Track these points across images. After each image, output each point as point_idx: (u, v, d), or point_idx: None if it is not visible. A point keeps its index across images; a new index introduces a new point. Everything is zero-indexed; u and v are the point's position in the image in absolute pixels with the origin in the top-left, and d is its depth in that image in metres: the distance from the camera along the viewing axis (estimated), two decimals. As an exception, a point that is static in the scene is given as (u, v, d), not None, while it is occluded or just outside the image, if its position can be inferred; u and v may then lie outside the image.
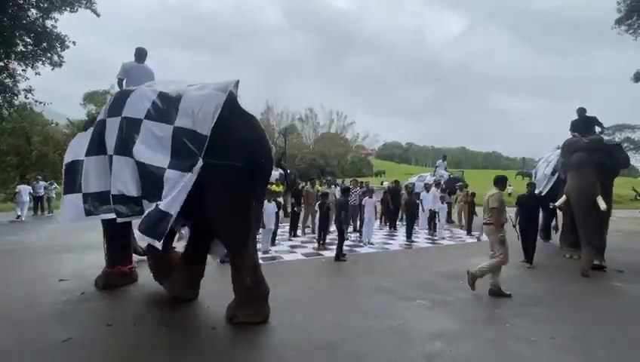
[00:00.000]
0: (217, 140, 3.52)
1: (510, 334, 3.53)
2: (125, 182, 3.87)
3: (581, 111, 7.34)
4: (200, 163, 3.47)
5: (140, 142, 3.79)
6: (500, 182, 4.96)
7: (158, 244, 3.49)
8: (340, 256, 6.67)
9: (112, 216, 4.00)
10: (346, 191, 7.73)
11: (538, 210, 7.00)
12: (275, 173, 13.78)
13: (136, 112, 3.89)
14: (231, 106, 3.66)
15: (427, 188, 11.70)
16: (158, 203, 3.53)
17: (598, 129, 7.33)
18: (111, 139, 4.08)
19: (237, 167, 3.52)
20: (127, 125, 3.95)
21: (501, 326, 3.74)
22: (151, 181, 3.67)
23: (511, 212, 6.46)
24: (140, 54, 5.15)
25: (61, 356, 2.98)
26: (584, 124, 7.22)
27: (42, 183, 14.42)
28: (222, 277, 3.84)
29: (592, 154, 6.25)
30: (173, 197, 3.46)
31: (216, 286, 4.31)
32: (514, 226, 6.34)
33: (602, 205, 5.81)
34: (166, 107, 3.77)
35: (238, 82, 3.82)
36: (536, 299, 4.47)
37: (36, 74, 13.38)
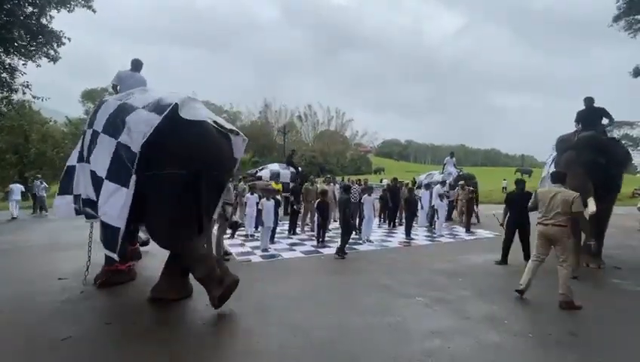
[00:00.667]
0: (159, 152, 3.83)
1: (508, 331, 3.54)
2: (90, 188, 4.28)
3: (588, 100, 6.55)
4: (134, 177, 3.78)
5: (95, 152, 4.21)
6: (564, 179, 4.52)
7: (115, 256, 4.05)
8: (340, 251, 6.70)
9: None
10: (347, 189, 7.74)
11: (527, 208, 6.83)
12: (286, 172, 13.86)
13: (99, 125, 4.25)
14: (172, 121, 3.88)
15: (428, 187, 11.70)
16: (103, 215, 3.98)
17: (605, 121, 6.63)
18: (87, 149, 4.44)
19: (180, 175, 3.86)
20: (93, 137, 4.32)
21: (499, 323, 3.75)
22: (98, 189, 4.09)
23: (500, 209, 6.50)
24: (136, 65, 5.56)
25: (61, 354, 2.99)
26: (590, 115, 6.54)
27: (40, 182, 14.43)
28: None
29: (581, 152, 5.81)
30: (119, 212, 3.83)
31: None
32: (501, 225, 6.33)
33: (592, 208, 5.32)
34: (117, 121, 4.07)
35: (177, 104, 4.00)
36: (534, 296, 4.48)
37: (37, 66, 13.33)
